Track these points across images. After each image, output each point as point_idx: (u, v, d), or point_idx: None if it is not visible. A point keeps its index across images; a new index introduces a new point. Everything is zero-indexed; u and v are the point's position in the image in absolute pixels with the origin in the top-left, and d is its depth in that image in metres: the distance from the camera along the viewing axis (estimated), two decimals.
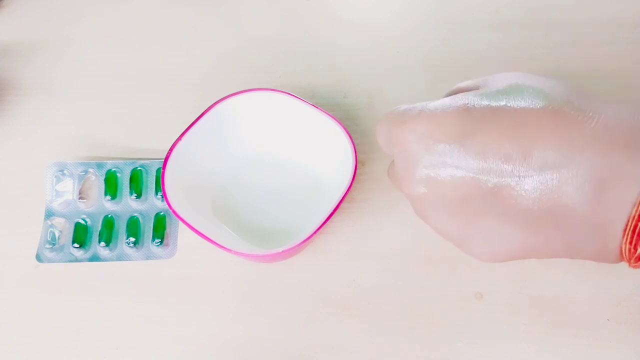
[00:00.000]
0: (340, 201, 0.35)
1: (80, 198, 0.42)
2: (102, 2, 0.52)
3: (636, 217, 0.25)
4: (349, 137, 0.38)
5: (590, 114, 0.26)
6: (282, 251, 0.34)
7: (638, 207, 0.25)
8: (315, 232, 0.34)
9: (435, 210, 0.30)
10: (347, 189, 0.36)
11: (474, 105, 0.28)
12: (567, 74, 0.45)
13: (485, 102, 0.28)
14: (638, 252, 0.26)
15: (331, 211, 0.35)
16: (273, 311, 0.38)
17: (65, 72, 0.48)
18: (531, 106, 0.27)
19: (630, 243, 0.26)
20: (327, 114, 0.39)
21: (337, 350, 0.37)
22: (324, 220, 0.35)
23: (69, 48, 0.50)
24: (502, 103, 0.28)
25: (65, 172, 0.42)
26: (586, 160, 0.26)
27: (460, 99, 0.29)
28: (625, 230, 0.26)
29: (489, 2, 0.50)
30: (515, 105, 0.27)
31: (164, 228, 0.40)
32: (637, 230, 0.25)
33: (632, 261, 0.27)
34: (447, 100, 0.29)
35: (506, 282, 0.38)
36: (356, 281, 0.39)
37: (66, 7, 0.52)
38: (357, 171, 0.37)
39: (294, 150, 0.42)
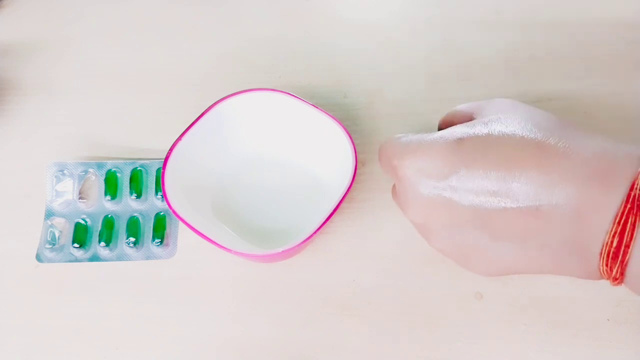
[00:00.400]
0: (340, 201, 0.35)
1: (80, 198, 0.42)
2: (102, 2, 0.52)
3: (609, 244, 0.28)
4: (349, 137, 0.38)
5: (571, 147, 0.29)
6: (282, 251, 0.34)
7: (610, 235, 0.27)
8: (315, 232, 0.34)
9: (435, 234, 0.34)
10: (347, 189, 0.36)
11: (466, 138, 0.31)
12: (566, 75, 0.46)
13: (475, 134, 0.31)
14: (613, 273, 0.28)
15: (331, 211, 0.35)
16: (273, 311, 0.38)
17: (65, 72, 0.48)
18: (518, 137, 0.30)
19: (607, 265, 0.28)
20: (327, 114, 0.39)
21: (337, 350, 0.37)
22: (324, 220, 0.35)
23: (69, 48, 0.50)
24: (492, 134, 0.31)
25: (65, 172, 0.42)
26: (565, 192, 0.28)
27: (454, 133, 0.32)
28: (601, 254, 0.28)
29: (489, 2, 0.50)
30: (504, 137, 0.30)
31: (164, 228, 0.40)
32: (611, 255, 0.28)
33: (611, 281, 0.29)
34: (443, 134, 0.32)
35: (506, 282, 0.38)
36: (356, 281, 0.39)
37: (66, 7, 0.52)
38: (357, 171, 0.37)
39: (294, 150, 0.42)
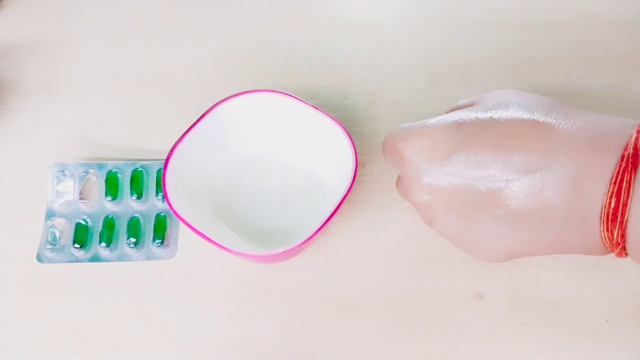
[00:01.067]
0: (341, 202, 0.35)
1: (80, 199, 0.42)
2: (103, 2, 0.52)
3: (607, 206, 0.28)
4: (349, 138, 0.38)
5: (566, 122, 0.30)
6: (283, 252, 0.35)
7: (608, 196, 0.28)
8: (315, 233, 0.35)
9: (439, 215, 0.34)
10: (347, 190, 0.36)
11: (466, 121, 0.32)
12: (566, 75, 0.46)
13: (476, 118, 0.32)
14: (614, 237, 0.29)
15: (331, 212, 0.35)
16: (273, 311, 0.38)
17: (66, 72, 0.48)
18: (516, 118, 0.31)
19: (607, 230, 0.29)
20: (327, 115, 0.39)
21: (337, 350, 0.37)
22: (324, 221, 0.35)
23: (69, 48, 0.50)
24: (491, 117, 0.32)
25: (66, 172, 0.42)
26: (561, 162, 0.29)
27: (455, 116, 0.33)
28: (600, 218, 0.29)
29: (489, 3, 0.50)
30: (502, 119, 0.32)
31: (164, 229, 0.40)
32: (610, 217, 0.28)
33: (615, 250, 0.29)
34: (445, 117, 0.34)
35: (506, 282, 0.38)
36: (356, 281, 0.39)
37: (66, 7, 0.52)
38: (358, 172, 0.37)
39: (295, 152, 0.42)
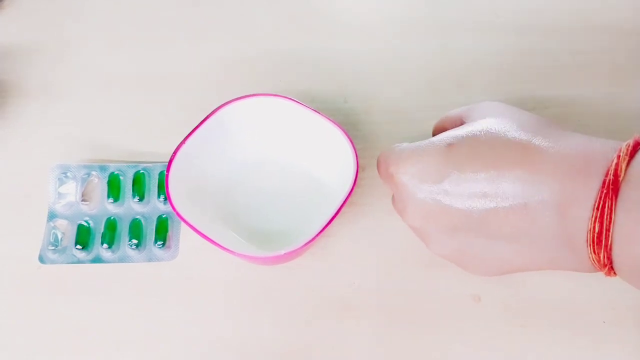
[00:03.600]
0: (342, 205, 0.36)
1: (83, 200, 0.42)
2: (104, 4, 0.52)
3: (591, 230, 0.29)
4: (350, 142, 0.38)
5: (552, 144, 0.31)
6: (285, 254, 0.35)
7: (592, 222, 0.29)
8: (317, 235, 0.35)
9: (432, 237, 0.35)
10: (348, 193, 0.36)
11: (455, 143, 0.33)
12: (564, 82, 0.46)
13: (465, 139, 0.33)
14: (602, 260, 0.29)
15: (333, 215, 0.35)
16: (274, 313, 0.38)
17: (67, 74, 0.48)
18: (504, 140, 0.32)
19: (594, 252, 0.29)
20: (328, 118, 0.39)
21: (337, 352, 0.37)
22: (325, 223, 0.35)
23: (70, 50, 0.50)
24: (479, 139, 0.32)
25: (68, 174, 0.42)
26: (547, 187, 0.30)
27: (445, 138, 0.34)
28: (587, 243, 0.29)
29: (488, 6, 0.51)
30: (490, 141, 0.32)
31: (166, 230, 0.41)
32: (595, 241, 0.29)
33: (603, 270, 0.30)
34: (435, 140, 0.34)
35: (504, 284, 0.38)
36: (356, 283, 0.39)
37: (67, 8, 0.52)
38: (358, 175, 0.37)
39: (296, 155, 0.42)
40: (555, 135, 0.32)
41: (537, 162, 0.30)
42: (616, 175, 0.28)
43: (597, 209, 0.28)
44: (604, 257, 0.29)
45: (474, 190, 0.32)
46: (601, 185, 0.28)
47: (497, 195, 0.31)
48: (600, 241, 0.29)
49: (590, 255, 0.30)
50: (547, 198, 0.30)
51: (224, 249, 0.35)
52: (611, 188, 0.28)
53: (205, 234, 0.35)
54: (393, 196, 0.37)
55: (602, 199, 0.28)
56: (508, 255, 0.33)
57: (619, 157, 0.29)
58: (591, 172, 0.29)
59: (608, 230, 0.28)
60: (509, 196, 0.31)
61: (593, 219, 0.29)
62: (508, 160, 0.31)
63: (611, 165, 0.29)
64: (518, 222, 0.31)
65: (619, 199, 0.28)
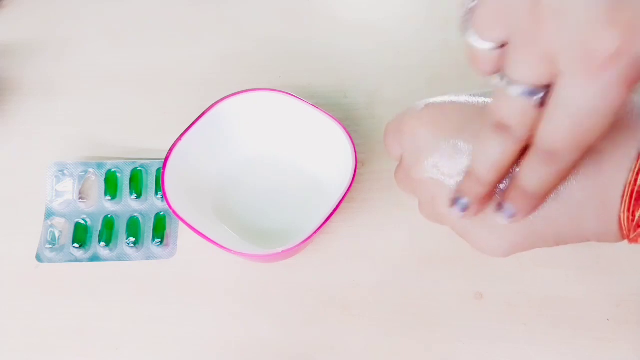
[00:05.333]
0: (340, 201, 0.35)
1: (80, 198, 0.42)
2: (102, 2, 0.52)
3: (632, 182, 0.26)
4: (349, 137, 0.38)
5: None
6: (282, 251, 0.35)
7: (634, 173, 0.26)
8: (315, 232, 0.34)
9: (442, 199, 0.31)
10: (347, 189, 0.36)
11: (472, 101, 0.31)
12: None
13: (482, 98, 0.30)
14: (637, 219, 0.26)
15: (331, 211, 0.35)
16: (273, 311, 0.38)
17: (65, 72, 0.48)
18: None
19: (629, 210, 0.26)
20: (327, 114, 0.39)
21: (337, 350, 0.37)
22: (324, 220, 0.35)
23: (68, 48, 0.50)
24: None
25: (65, 172, 0.42)
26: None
27: (463, 96, 0.31)
28: (622, 197, 0.26)
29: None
30: None
31: (164, 228, 0.40)
32: (634, 196, 0.26)
33: (631, 233, 0.27)
34: (451, 96, 0.32)
35: (506, 282, 0.38)
36: (356, 281, 0.39)
37: (66, 7, 0.52)
38: (357, 171, 0.37)
39: (294, 151, 0.42)
40: None
41: None
42: None
43: None
44: None
45: None
46: None
47: None
48: None
49: (623, 215, 0.27)
50: None
51: (222, 247, 0.35)
52: None
53: (203, 232, 0.35)
54: (397, 168, 0.34)
55: None
56: (526, 220, 0.29)
57: None
58: (632, 120, 0.26)
59: None
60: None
61: (636, 170, 0.26)
62: None
63: None
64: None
65: None
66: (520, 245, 0.30)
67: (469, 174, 0.29)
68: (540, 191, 0.27)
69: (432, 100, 0.32)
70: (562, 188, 0.28)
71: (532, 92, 0.25)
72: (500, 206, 0.29)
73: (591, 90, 0.23)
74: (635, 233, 0.27)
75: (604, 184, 0.27)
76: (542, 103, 0.25)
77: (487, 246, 0.31)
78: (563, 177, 0.27)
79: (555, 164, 0.26)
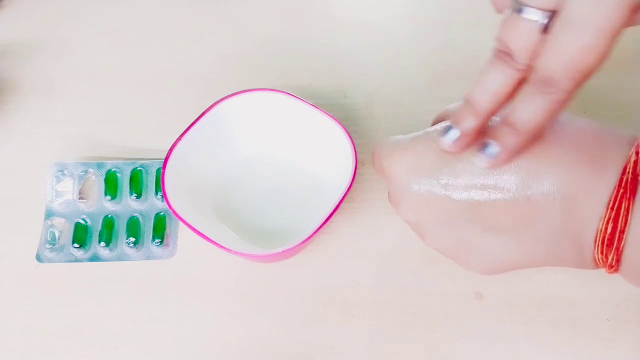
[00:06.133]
0: (340, 201, 0.35)
1: (80, 198, 0.42)
2: (102, 2, 0.52)
3: (603, 231, 0.27)
4: (349, 137, 0.38)
5: (560, 133, 0.29)
6: (282, 251, 0.34)
7: (604, 221, 0.27)
8: (315, 232, 0.34)
9: (429, 231, 0.34)
10: (347, 189, 0.36)
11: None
12: None
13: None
14: (609, 260, 0.28)
15: (331, 211, 0.35)
16: (273, 311, 0.38)
17: (65, 72, 0.48)
18: None
19: (602, 253, 0.28)
20: (327, 114, 0.39)
21: (337, 350, 0.37)
22: (324, 220, 0.35)
23: (68, 48, 0.50)
24: None
25: (65, 172, 0.42)
26: (554, 179, 0.28)
27: (439, 130, 0.31)
28: (595, 242, 0.28)
29: (488, 1, 0.50)
30: None
31: (164, 228, 0.40)
32: (605, 242, 0.27)
33: (608, 270, 0.29)
34: (430, 131, 0.33)
35: (506, 282, 0.38)
36: (356, 281, 0.39)
37: (66, 7, 0.52)
38: (357, 171, 0.37)
39: (294, 151, 0.42)
40: (562, 122, 0.29)
41: (540, 151, 0.29)
42: (635, 174, 0.26)
43: (612, 209, 0.27)
44: (612, 258, 0.28)
45: (472, 182, 0.30)
46: (617, 183, 0.27)
47: (497, 186, 0.29)
48: (612, 242, 0.27)
49: (597, 255, 0.28)
50: (552, 189, 0.28)
51: (221, 247, 0.35)
52: (629, 188, 0.26)
53: (203, 232, 0.35)
54: (389, 194, 0.36)
55: (619, 199, 0.26)
56: (507, 250, 0.31)
57: (637, 153, 0.27)
58: (605, 165, 0.27)
59: (622, 232, 0.27)
60: (511, 187, 0.29)
61: (606, 218, 0.27)
62: None
63: (629, 163, 0.27)
64: (518, 215, 0.29)
65: (636, 199, 0.26)
66: (506, 269, 0.33)
67: (465, 102, 0.30)
68: (528, 125, 0.27)
69: (411, 138, 0.33)
70: (538, 227, 0.29)
71: (539, 15, 0.25)
72: (484, 144, 0.29)
73: (596, 8, 0.24)
74: (612, 269, 0.29)
75: (578, 228, 0.28)
76: (546, 29, 0.25)
77: (475, 269, 0.34)
78: (554, 112, 0.27)
79: (550, 93, 0.26)
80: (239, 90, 0.40)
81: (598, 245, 0.28)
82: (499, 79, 0.27)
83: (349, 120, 0.44)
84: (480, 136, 0.30)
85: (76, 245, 0.40)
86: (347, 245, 0.40)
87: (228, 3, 0.51)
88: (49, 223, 0.41)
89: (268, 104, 0.40)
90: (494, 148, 0.29)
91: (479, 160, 0.29)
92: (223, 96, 0.40)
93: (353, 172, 0.36)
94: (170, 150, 0.37)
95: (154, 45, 0.49)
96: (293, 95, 0.40)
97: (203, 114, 0.39)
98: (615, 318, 0.36)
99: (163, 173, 0.37)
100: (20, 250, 0.40)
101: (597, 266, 0.30)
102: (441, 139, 0.30)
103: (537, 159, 0.29)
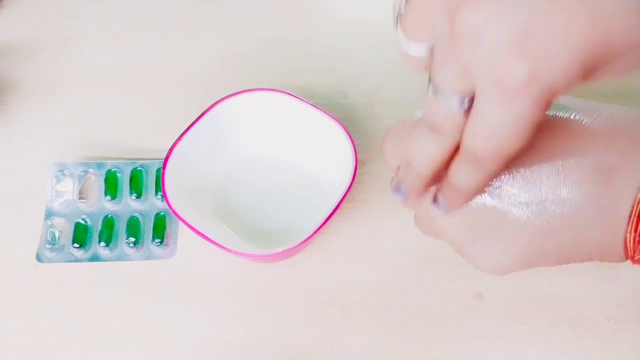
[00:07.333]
0: (340, 201, 0.35)
1: (80, 198, 0.42)
2: (102, 2, 0.52)
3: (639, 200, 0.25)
4: (349, 137, 0.38)
5: (589, 114, 0.28)
6: (282, 251, 0.35)
7: None
8: (315, 232, 0.34)
9: (444, 221, 0.31)
10: (347, 189, 0.36)
11: None
12: None
13: None
14: None
15: (331, 211, 0.35)
16: (273, 311, 0.38)
17: (65, 72, 0.48)
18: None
19: (635, 230, 0.26)
20: (327, 114, 0.39)
21: (337, 350, 0.37)
22: (324, 220, 0.35)
23: (68, 48, 0.50)
24: None
25: (65, 172, 0.42)
26: (592, 149, 0.27)
27: None
28: (630, 217, 0.26)
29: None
30: None
31: (164, 228, 0.40)
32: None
33: (636, 254, 0.27)
34: None
35: (506, 282, 0.38)
36: (356, 281, 0.39)
37: (66, 7, 0.52)
38: (357, 171, 0.37)
39: (294, 151, 0.42)
40: (587, 103, 0.28)
41: (576, 129, 0.27)
42: None
43: None
44: None
45: None
46: None
47: (531, 156, 0.28)
48: None
49: (628, 235, 0.26)
50: (588, 160, 0.26)
51: (221, 247, 0.35)
52: None
53: (203, 232, 0.35)
54: (393, 177, 0.34)
55: None
56: (527, 233, 0.28)
57: None
58: None
59: None
60: (542, 158, 0.28)
61: None
62: (541, 134, 0.26)
63: None
64: (547, 189, 0.27)
65: None
66: (521, 263, 0.30)
67: (407, 163, 0.30)
68: (468, 190, 0.28)
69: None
70: (567, 204, 0.27)
71: (456, 100, 0.25)
72: (435, 199, 0.30)
73: (505, 111, 0.23)
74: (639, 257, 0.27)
75: (611, 202, 0.26)
76: (468, 110, 0.25)
77: (486, 264, 0.31)
78: (487, 180, 0.27)
79: (479, 167, 0.26)
80: (239, 90, 0.40)
81: (633, 221, 0.26)
82: (434, 148, 0.27)
83: (349, 120, 0.44)
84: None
85: (76, 245, 0.40)
86: (347, 245, 0.40)
87: (228, 3, 0.51)
88: (49, 223, 0.41)
89: (268, 104, 0.40)
90: (444, 204, 0.29)
91: (435, 212, 0.30)
92: (223, 96, 0.40)
93: (353, 172, 0.36)
94: (170, 150, 0.37)
95: (154, 45, 0.49)
96: (293, 95, 0.40)
97: (203, 114, 0.39)
98: (615, 318, 0.36)
99: (163, 173, 0.37)
100: (20, 250, 0.40)
101: (625, 253, 0.27)
102: (393, 194, 0.31)
103: (572, 137, 0.28)
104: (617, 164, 0.26)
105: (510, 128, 0.24)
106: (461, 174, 0.27)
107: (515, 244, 0.29)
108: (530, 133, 0.24)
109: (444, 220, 0.31)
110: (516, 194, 0.28)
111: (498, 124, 0.24)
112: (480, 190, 0.29)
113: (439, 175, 0.29)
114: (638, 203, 0.25)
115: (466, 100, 0.25)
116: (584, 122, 0.28)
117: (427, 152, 0.28)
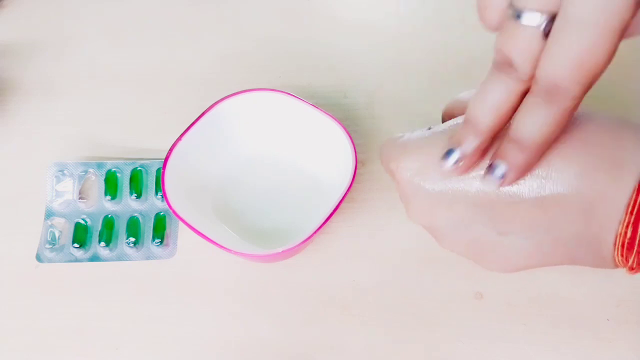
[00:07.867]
0: (340, 201, 0.35)
1: (80, 198, 0.42)
2: (102, 2, 0.52)
3: (623, 235, 0.26)
4: (349, 137, 0.38)
5: (575, 131, 0.28)
6: (282, 251, 0.34)
7: (624, 226, 0.26)
8: (315, 232, 0.34)
9: (443, 233, 0.33)
10: (347, 189, 0.36)
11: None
12: None
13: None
14: (630, 263, 0.27)
15: (331, 211, 0.35)
16: (273, 311, 0.38)
17: (66, 72, 0.48)
18: None
19: (622, 255, 0.27)
20: (327, 114, 0.39)
21: (337, 350, 0.37)
22: (324, 220, 0.35)
23: (68, 48, 0.50)
24: None
25: (65, 172, 0.42)
26: (572, 180, 0.27)
27: (448, 130, 0.31)
28: (615, 245, 0.27)
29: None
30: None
31: (164, 228, 0.40)
32: (625, 246, 0.26)
33: (627, 270, 0.28)
34: (439, 130, 0.31)
35: (506, 281, 0.38)
36: (356, 281, 0.39)
37: (66, 7, 0.52)
38: (357, 171, 0.37)
39: (294, 151, 0.42)
40: (578, 116, 0.28)
41: (558, 153, 0.27)
42: None
43: (631, 213, 0.26)
44: (634, 261, 0.27)
45: (485, 187, 0.29)
46: (636, 186, 0.25)
47: (511, 191, 0.28)
48: (632, 246, 0.26)
49: (617, 257, 0.27)
50: (567, 192, 0.27)
51: (222, 247, 0.35)
52: None
53: (203, 232, 0.35)
54: (400, 195, 0.35)
55: (639, 203, 0.25)
56: (524, 251, 0.30)
57: None
58: (623, 167, 0.26)
59: None
60: (524, 190, 0.28)
61: (625, 223, 0.26)
62: None
63: None
64: (533, 218, 0.28)
65: None
66: (524, 268, 0.31)
67: (465, 122, 0.28)
68: (535, 139, 0.26)
69: (419, 135, 0.32)
70: (556, 231, 0.28)
71: (539, 18, 0.24)
72: (491, 166, 0.28)
73: (598, 3, 0.22)
74: (632, 271, 0.28)
75: (597, 231, 0.27)
76: (547, 33, 0.24)
77: (492, 268, 0.32)
78: (562, 123, 0.26)
79: (556, 102, 0.25)
80: (239, 90, 0.40)
81: (618, 249, 0.27)
82: (501, 93, 0.26)
83: (349, 120, 0.44)
84: (487, 153, 0.29)
85: (76, 245, 0.40)
86: (347, 245, 0.40)
87: (228, 3, 0.51)
88: (49, 223, 0.41)
89: (268, 104, 0.40)
90: (501, 169, 0.27)
91: (488, 184, 0.28)
92: (223, 96, 0.40)
93: (353, 172, 0.36)
94: (170, 150, 0.37)
95: (154, 45, 0.49)
96: (293, 95, 0.40)
97: (203, 114, 0.39)
98: (615, 318, 0.36)
99: (163, 173, 0.37)
100: (20, 250, 0.40)
101: (617, 267, 0.28)
102: (442, 162, 0.29)
103: (552, 162, 0.28)
104: (599, 199, 0.27)
105: (602, 32, 0.23)
106: (532, 118, 0.26)
107: (513, 259, 0.31)
108: (619, 41, 0.23)
109: (447, 243, 0.33)
110: (510, 223, 0.29)
111: (587, 24, 0.23)
112: (549, 143, 0.27)
113: (499, 136, 0.28)
114: (620, 235, 0.26)
115: (548, 20, 0.24)
116: (570, 139, 0.27)
117: (493, 97, 0.26)
